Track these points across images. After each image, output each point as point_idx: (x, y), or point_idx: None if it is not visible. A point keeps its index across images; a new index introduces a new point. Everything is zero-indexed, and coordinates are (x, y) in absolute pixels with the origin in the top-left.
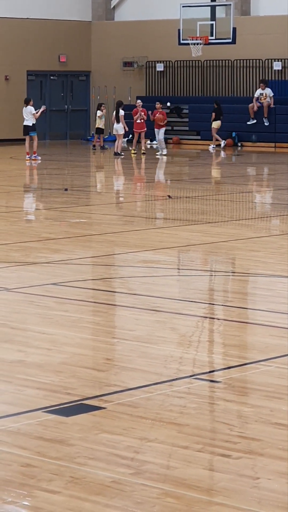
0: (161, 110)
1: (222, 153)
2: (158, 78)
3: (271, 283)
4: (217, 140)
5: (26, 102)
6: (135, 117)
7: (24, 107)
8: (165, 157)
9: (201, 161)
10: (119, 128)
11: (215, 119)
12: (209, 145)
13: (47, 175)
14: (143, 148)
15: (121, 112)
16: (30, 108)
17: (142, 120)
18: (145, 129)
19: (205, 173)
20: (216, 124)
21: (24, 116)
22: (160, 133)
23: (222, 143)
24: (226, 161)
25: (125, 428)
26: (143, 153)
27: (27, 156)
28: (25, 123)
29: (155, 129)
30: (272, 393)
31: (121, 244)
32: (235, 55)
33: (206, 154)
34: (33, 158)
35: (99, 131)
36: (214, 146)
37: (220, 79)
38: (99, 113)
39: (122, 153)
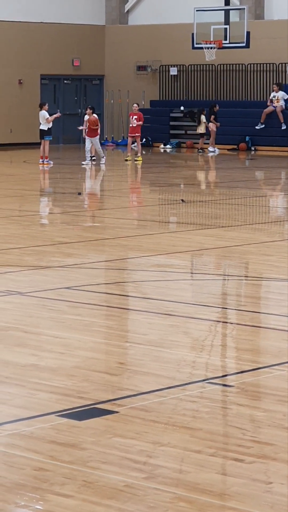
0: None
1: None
2: (171, 82)
3: (284, 288)
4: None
5: (40, 106)
6: (131, 121)
7: (39, 111)
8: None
9: (214, 165)
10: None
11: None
12: (226, 149)
13: (60, 179)
14: (138, 154)
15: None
16: (44, 113)
17: (134, 125)
18: (138, 133)
19: (218, 177)
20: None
21: (40, 120)
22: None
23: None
24: (239, 165)
25: (138, 432)
26: (136, 160)
27: (40, 160)
28: (41, 127)
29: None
30: (285, 398)
31: (134, 248)
32: (249, 59)
33: (220, 158)
34: (45, 162)
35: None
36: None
37: (234, 83)
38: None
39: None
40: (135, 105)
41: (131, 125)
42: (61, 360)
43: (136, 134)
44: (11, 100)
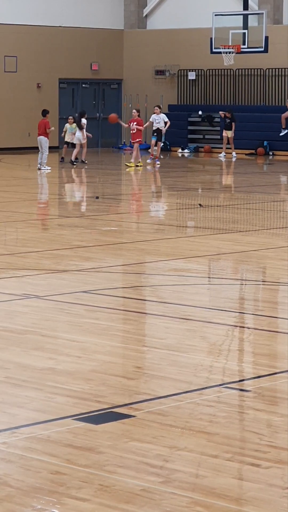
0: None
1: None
2: (190, 86)
3: None
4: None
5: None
6: (131, 127)
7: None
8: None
9: (232, 169)
10: (80, 136)
11: (225, 128)
12: (244, 154)
13: (78, 183)
14: (132, 160)
15: (83, 121)
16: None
17: (133, 131)
18: (139, 139)
19: (236, 182)
20: (225, 133)
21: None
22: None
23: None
24: (257, 170)
25: (155, 436)
26: (131, 165)
27: (156, 159)
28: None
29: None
30: None
31: (151, 252)
32: (267, 64)
33: (238, 163)
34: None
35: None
36: (224, 154)
37: (252, 88)
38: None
39: (75, 163)
40: (134, 111)
41: (132, 131)
42: (78, 364)
43: (137, 140)
44: (29, 104)
